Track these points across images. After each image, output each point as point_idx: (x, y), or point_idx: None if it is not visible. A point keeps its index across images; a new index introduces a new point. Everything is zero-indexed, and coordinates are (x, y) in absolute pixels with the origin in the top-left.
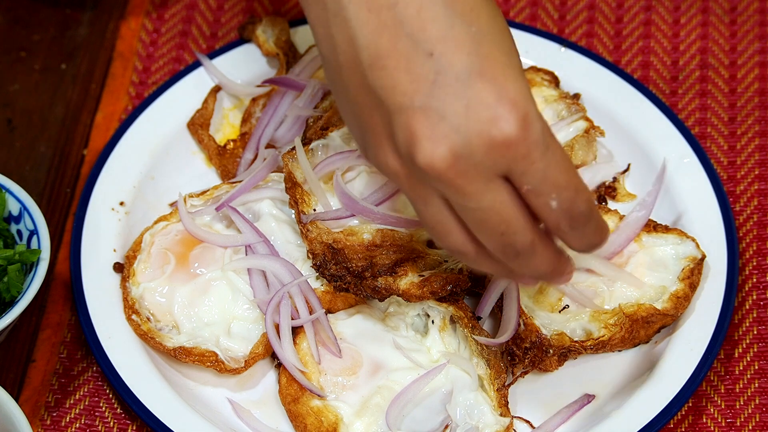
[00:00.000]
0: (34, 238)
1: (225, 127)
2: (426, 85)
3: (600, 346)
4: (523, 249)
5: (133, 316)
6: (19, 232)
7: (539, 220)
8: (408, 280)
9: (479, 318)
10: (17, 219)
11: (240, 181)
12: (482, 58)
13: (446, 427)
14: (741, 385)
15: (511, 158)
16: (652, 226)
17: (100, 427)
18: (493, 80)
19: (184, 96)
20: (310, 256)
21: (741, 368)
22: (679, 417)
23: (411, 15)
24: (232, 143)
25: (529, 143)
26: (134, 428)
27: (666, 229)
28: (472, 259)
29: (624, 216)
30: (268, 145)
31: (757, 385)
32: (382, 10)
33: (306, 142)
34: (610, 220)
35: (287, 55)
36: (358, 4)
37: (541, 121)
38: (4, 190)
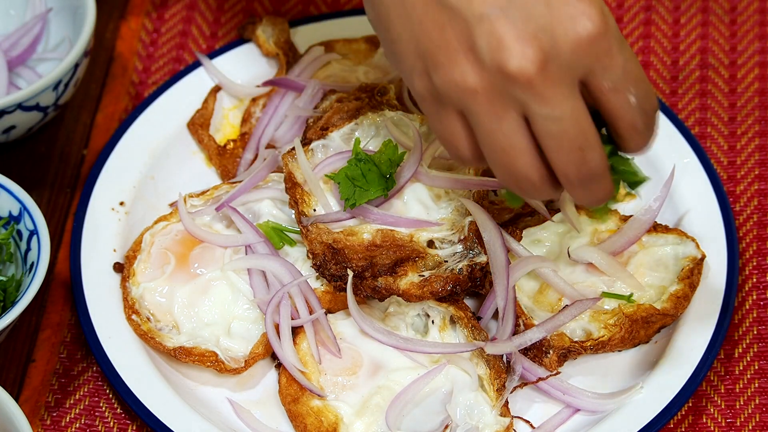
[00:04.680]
0: (34, 238)
1: (225, 127)
2: None
3: (600, 347)
4: (597, 169)
5: (133, 316)
6: (19, 232)
7: (613, 123)
8: (408, 280)
9: (479, 318)
10: (17, 219)
11: (240, 181)
12: None
13: (446, 427)
14: (741, 385)
15: (594, 54)
16: (652, 226)
17: (100, 427)
18: None
19: (184, 96)
20: (310, 256)
21: (741, 368)
22: (679, 417)
23: None
24: (232, 143)
25: (609, 37)
26: (134, 428)
27: (666, 229)
28: (535, 187)
29: (624, 216)
30: (268, 145)
31: (757, 385)
32: None
33: (306, 142)
34: (610, 221)
35: (287, 55)
36: None
37: (612, 16)
38: (4, 190)
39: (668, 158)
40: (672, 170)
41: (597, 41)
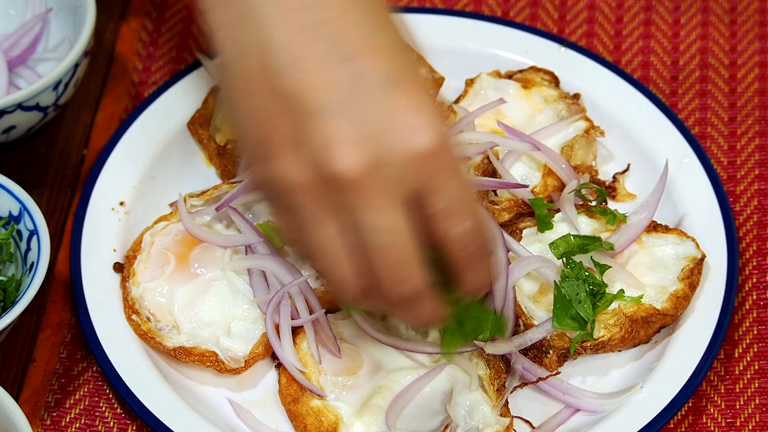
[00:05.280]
0: (34, 238)
1: (225, 127)
2: (346, 88)
3: (600, 347)
4: (413, 291)
5: (133, 316)
6: (19, 232)
7: (446, 249)
8: None
9: None
10: (17, 219)
11: (240, 181)
12: (401, 68)
13: (446, 427)
14: (741, 385)
15: (428, 172)
16: (652, 226)
17: (100, 427)
18: (413, 91)
19: (184, 96)
20: None
21: (741, 368)
22: (679, 417)
23: (332, 18)
24: (232, 143)
25: (444, 159)
26: (134, 428)
27: (666, 229)
28: (356, 298)
29: (624, 215)
30: None
31: (757, 385)
32: (301, 11)
33: None
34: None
35: None
36: (275, 5)
37: (453, 142)
38: (4, 190)
39: (668, 158)
40: (665, 164)
41: (431, 159)
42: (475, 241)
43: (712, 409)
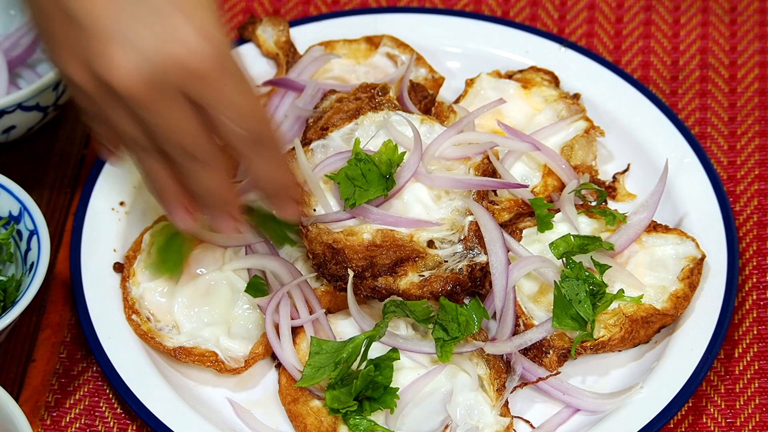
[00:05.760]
0: (34, 238)
1: None
2: (124, 11)
3: (600, 347)
4: (202, 158)
5: (133, 316)
6: (19, 232)
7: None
8: (408, 280)
9: None
10: (17, 219)
11: (240, 181)
12: None
13: (446, 427)
14: (741, 385)
15: (202, 87)
16: (652, 226)
17: (100, 427)
18: (191, 15)
19: None
20: (310, 256)
21: (741, 368)
22: (679, 417)
23: None
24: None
25: (220, 75)
26: (134, 428)
27: (666, 229)
28: (152, 162)
29: (625, 215)
30: None
31: (757, 385)
32: None
33: (306, 142)
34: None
35: (287, 56)
36: None
37: (235, 58)
38: (4, 190)
39: (668, 158)
40: (665, 164)
41: (206, 77)
42: (251, 138)
43: (712, 409)
